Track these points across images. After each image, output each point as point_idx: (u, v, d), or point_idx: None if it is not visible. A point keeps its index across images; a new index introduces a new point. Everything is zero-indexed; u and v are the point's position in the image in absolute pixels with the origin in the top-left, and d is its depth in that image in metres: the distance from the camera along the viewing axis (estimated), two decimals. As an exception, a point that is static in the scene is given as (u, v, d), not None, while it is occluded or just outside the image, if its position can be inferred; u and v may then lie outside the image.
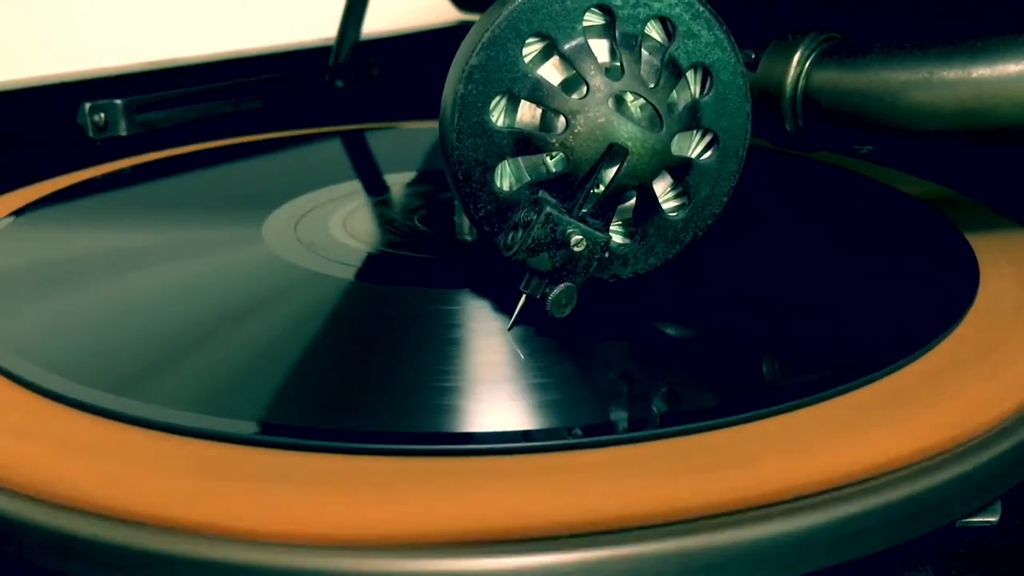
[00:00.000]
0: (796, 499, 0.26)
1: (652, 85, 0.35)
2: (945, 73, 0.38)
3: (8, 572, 0.27)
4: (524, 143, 0.35)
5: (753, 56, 0.44)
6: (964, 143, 0.39)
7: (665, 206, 0.37)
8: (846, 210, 0.50)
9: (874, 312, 0.38)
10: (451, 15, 0.83)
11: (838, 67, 0.41)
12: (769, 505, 0.26)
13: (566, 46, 0.35)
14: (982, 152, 0.52)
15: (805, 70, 0.42)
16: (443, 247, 0.45)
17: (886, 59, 0.39)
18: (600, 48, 0.35)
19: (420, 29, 0.79)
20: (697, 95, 0.36)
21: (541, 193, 0.35)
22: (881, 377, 0.32)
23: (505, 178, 0.36)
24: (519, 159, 0.35)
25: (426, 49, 0.76)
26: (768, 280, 0.41)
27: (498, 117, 0.35)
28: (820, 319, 0.37)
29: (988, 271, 0.41)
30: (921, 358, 0.34)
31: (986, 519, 0.29)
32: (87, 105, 0.61)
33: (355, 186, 0.55)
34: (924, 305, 0.38)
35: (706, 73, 0.36)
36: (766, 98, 0.43)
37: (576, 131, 0.35)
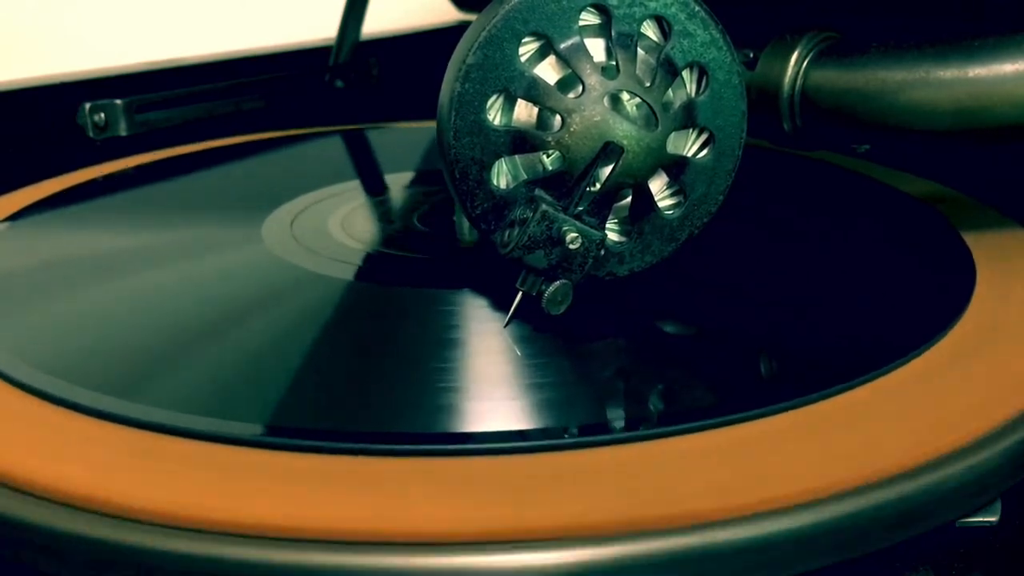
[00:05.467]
0: (795, 499, 0.26)
1: (648, 84, 0.35)
2: (942, 73, 0.38)
3: (8, 572, 0.27)
4: (520, 141, 0.35)
5: (752, 55, 0.44)
6: (962, 142, 0.39)
7: (661, 204, 0.37)
8: (844, 209, 0.50)
9: (872, 311, 0.38)
10: (451, 15, 0.83)
11: (836, 66, 0.41)
12: (768, 504, 0.26)
13: (562, 45, 0.35)
14: (980, 151, 0.52)
15: (803, 69, 0.42)
16: (443, 247, 0.45)
17: (883, 58, 0.39)
18: (596, 47, 0.35)
19: (420, 29, 0.79)
20: (693, 94, 0.36)
21: (537, 191, 0.35)
22: (879, 377, 0.32)
23: (502, 176, 0.36)
24: (516, 157, 0.36)
25: (426, 49, 0.76)
26: (766, 280, 0.41)
27: (495, 116, 0.35)
28: (818, 318, 0.37)
29: (985, 270, 0.41)
30: (919, 357, 0.34)
31: (986, 519, 0.29)
32: (87, 105, 0.61)
33: (354, 186, 0.55)
34: (922, 304, 0.38)
35: (702, 72, 0.36)
36: (764, 97, 0.43)
37: (572, 129, 0.35)
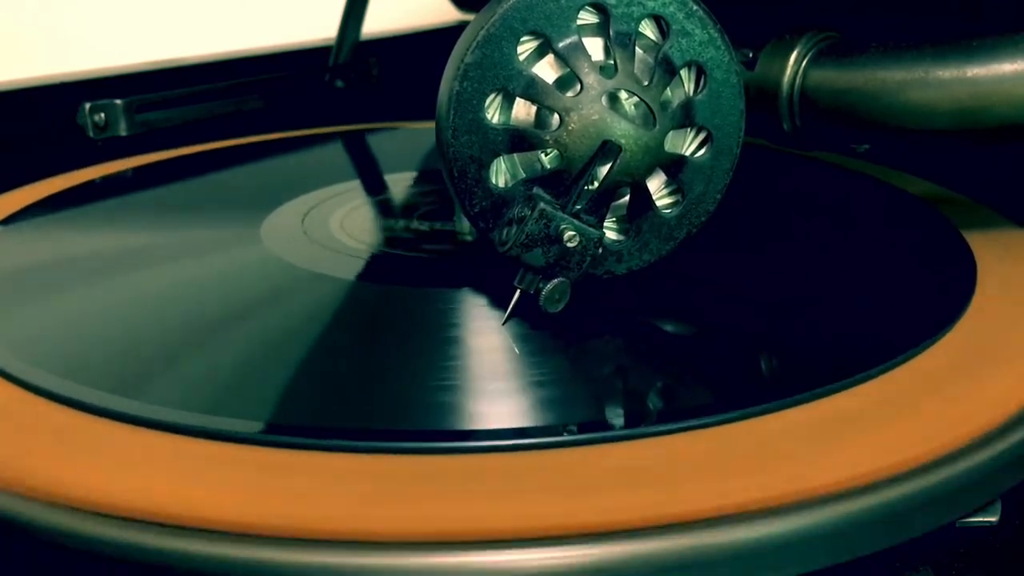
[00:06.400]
0: (795, 498, 0.26)
1: (646, 83, 0.35)
2: (941, 72, 0.38)
3: (8, 572, 0.27)
4: (519, 140, 0.35)
5: (751, 55, 0.44)
6: (961, 142, 0.39)
7: (659, 203, 0.37)
8: (844, 209, 0.50)
9: (872, 311, 0.38)
10: (451, 15, 0.83)
11: (835, 66, 0.41)
12: (768, 504, 0.26)
13: (560, 44, 0.35)
14: (980, 151, 0.52)
15: (802, 69, 0.42)
16: (442, 246, 0.45)
17: (882, 58, 0.39)
18: (594, 46, 0.35)
19: (420, 29, 0.79)
20: (691, 93, 0.36)
21: (535, 189, 0.35)
22: (879, 376, 0.32)
23: (500, 175, 0.36)
24: (514, 156, 0.36)
25: (426, 49, 0.76)
26: (766, 279, 0.41)
27: (493, 114, 0.35)
28: (818, 318, 0.37)
29: (986, 270, 0.40)
30: (920, 357, 0.34)
31: (986, 519, 0.29)
32: (87, 105, 0.61)
33: (355, 186, 0.55)
34: (922, 304, 0.38)
35: (700, 71, 0.36)
36: (764, 97, 0.43)
37: (570, 128, 0.35)
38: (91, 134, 0.62)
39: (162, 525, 0.25)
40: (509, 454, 0.28)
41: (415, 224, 0.48)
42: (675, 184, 0.37)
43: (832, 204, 0.51)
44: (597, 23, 0.36)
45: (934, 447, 0.28)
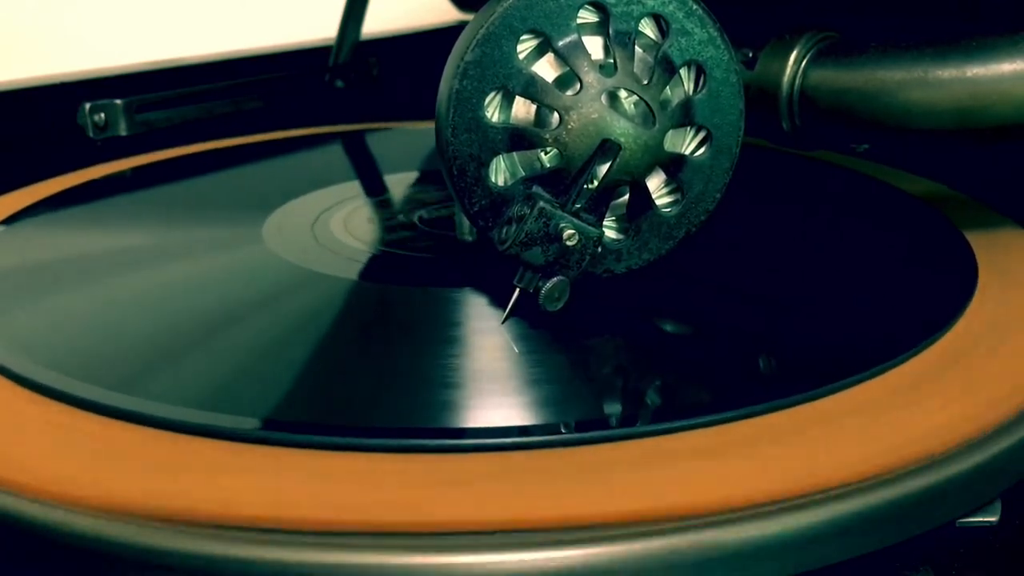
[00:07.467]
0: (795, 497, 0.26)
1: (645, 82, 0.35)
2: (940, 72, 0.38)
3: (8, 572, 0.27)
4: (518, 138, 0.35)
5: (751, 54, 0.44)
6: (961, 142, 0.39)
7: (658, 202, 0.37)
8: (844, 208, 0.50)
9: (873, 310, 0.38)
10: (451, 15, 0.83)
11: (835, 66, 0.41)
12: (768, 503, 0.26)
13: (560, 43, 0.35)
14: (979, 151, 0.52)
15: (802, 69, 0.42)
16: (443, 247, 0.45)
17: (882, 58, 0.39)
18: (594, 45, 0.35)
19: (420, 29, 0.80)
20: (690, 92, 0.36)
21: (535, 188, 0.35)
22: (879, 375, 0.32)
23: (499, 173, 0.36)
24: (513, 154, 0.36)
25: (426, 49, 0.76)
26: (765, 278, 0.41)
27: (493, 113, 0.35)
28: (818, 317, 0.37)
29: (986, 269, 0.40)
30: (920, 356, 0.34)
31: (986, 519, 0.29)
32: (87, 105, 0.61)
33: (355, 186, 0.55)
34: (922, 303, 0.38)
35: (699, 70, 0.36)
36: (764, 96, 0.43)
37: (570, 127, 0.35)
38: (91, 134, 0.62)
39: (160, 524, 0.25)
40: (508, 452, 0.28)
41: (415, 223, 0.48)
42: (674, 183, 0.37)
43: (832, 204, 0.51)
44: (597, 22, 0.36)
45: (934, 447, 0.28)
